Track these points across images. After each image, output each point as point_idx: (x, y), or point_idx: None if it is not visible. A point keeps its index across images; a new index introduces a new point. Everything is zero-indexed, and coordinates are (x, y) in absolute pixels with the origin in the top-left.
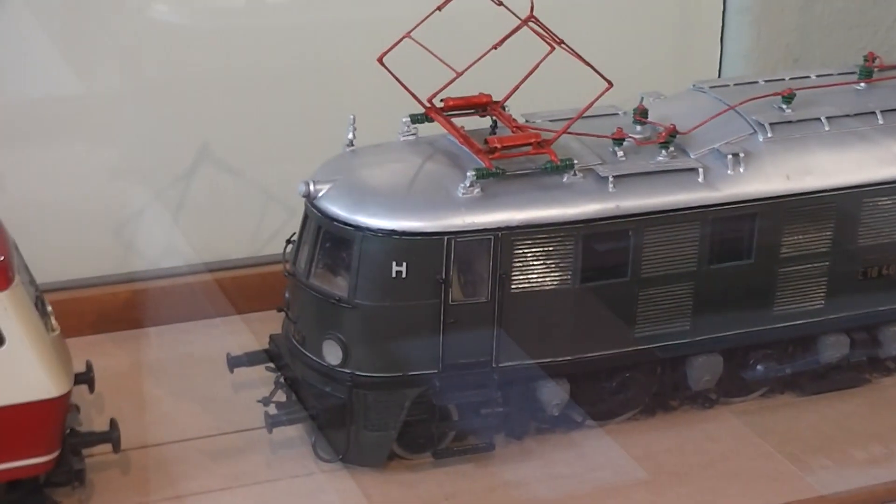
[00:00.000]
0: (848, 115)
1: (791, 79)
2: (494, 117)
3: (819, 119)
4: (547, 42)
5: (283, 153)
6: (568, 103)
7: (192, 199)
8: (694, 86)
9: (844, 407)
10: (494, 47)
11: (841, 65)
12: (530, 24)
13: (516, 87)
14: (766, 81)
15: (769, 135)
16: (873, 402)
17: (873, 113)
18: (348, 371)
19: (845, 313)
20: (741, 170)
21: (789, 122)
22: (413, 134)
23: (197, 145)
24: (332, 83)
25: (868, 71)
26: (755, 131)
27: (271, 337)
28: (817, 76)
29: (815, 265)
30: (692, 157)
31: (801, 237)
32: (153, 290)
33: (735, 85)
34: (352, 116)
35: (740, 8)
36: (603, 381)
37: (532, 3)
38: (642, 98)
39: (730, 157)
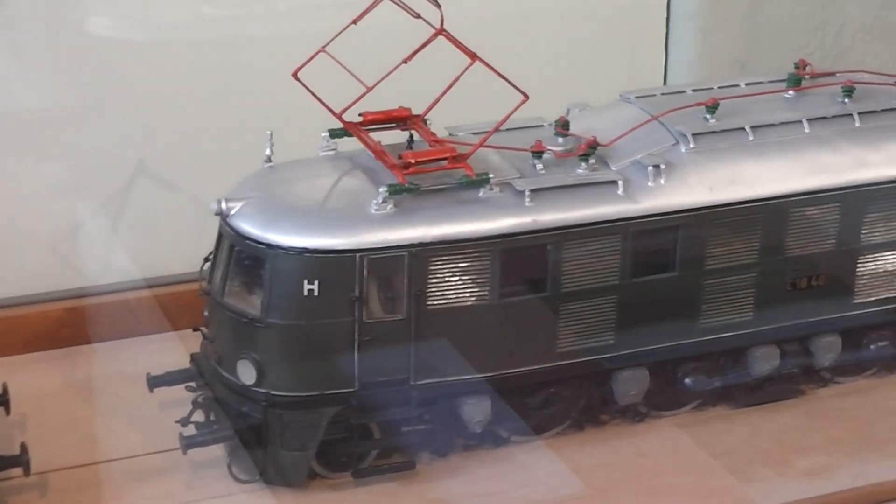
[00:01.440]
0: (773, 125)
1: (720, 87)
2: (414, 131)
3: (743, 129)
4: (467, 54)
5: (222, 167)
6: (497, 115)
7: (129, 215)
8: (621, 96)
9: (779, 419)
10: (405, 61)
11: (779, 72)
12: (445, 37)
13: (436, 101)
14: (694, 91)
15: (692, 145)
16: (809, 413)
17: (800, 122)
18: (263, 391)
19: (775, 325)
20: (662, 181)
21: (713, 132)
22: (333, 149)
23: (134, 160)
24: (270, 96)
25: (797, 79)
26: (678, 142)
27: (192, 356)
28: (747, 84)
29: (742, 277)
30: (613, 169)
31: (726, 249)
32: (89, 307)
33: (662, 95)
34: (269, 132)
35: (685, 15)
36: (527, 397)
37: (442, 16)
38: (569, 110)
39: (650, 168)
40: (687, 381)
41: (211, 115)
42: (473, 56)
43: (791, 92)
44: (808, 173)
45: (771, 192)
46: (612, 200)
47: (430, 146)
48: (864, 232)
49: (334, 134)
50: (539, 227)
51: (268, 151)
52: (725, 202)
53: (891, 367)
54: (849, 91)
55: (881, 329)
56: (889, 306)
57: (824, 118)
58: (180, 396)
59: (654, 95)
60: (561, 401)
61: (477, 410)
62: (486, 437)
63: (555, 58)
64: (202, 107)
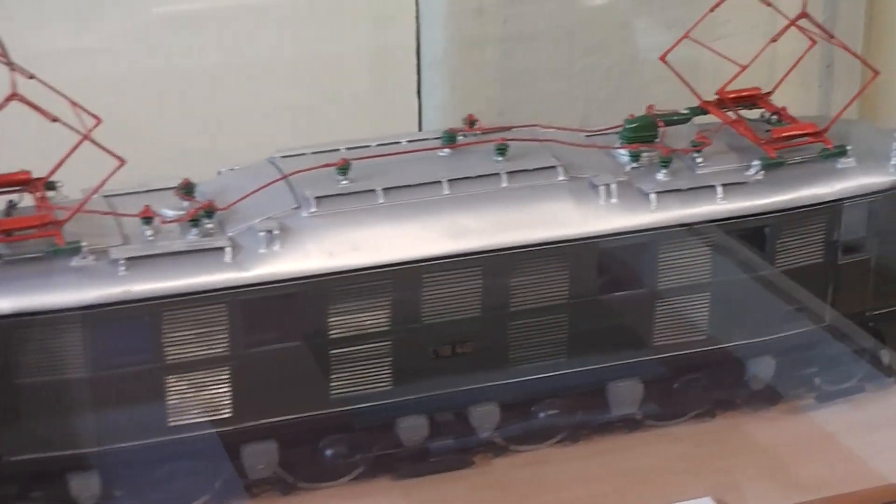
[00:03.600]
0: (410, 186)
1: (378, 145)
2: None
3: (374, 191)
4: (48, 118)
5: None
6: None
7: None
8: (271, 157)
9: (441, 492)
10: None
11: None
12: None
13: (59, 164)
14: (349, 149)
15: (313, 209)
16: (475, 485)
17: (439, 182)
18: None
19: (419, 395)
20: (277, 248)
21: (340, 194)
22: None
23: None
24: None
25: (451, 136)
26: (300, 206)
27: None
28: (409, 142)
29: (375, 345)
30: (229, 234)
31: (354, 316)
32: None
33: (313, 153)
34: None
35: (432, 61)
36: (147, 472)
37: (14, 80)
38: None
39: (262, 234)
40: (328, 452)
41: None
42: (53, 120)
43: (446, 150)
44: (444, 237)
45: (400, 257)
46: (217, 268)
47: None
48: (513, 297)
49: None
50: (132, 297)
51: None
52: (346, 268)
53: (576, 435)
54: (502, 149)
55: (550, 398)
56: (549, 374)
57: (469, 178)
58: None
59: (305, 154)
60: (188, 475)
61: (85, 486)
62: None
63: (305, 107)
64: None
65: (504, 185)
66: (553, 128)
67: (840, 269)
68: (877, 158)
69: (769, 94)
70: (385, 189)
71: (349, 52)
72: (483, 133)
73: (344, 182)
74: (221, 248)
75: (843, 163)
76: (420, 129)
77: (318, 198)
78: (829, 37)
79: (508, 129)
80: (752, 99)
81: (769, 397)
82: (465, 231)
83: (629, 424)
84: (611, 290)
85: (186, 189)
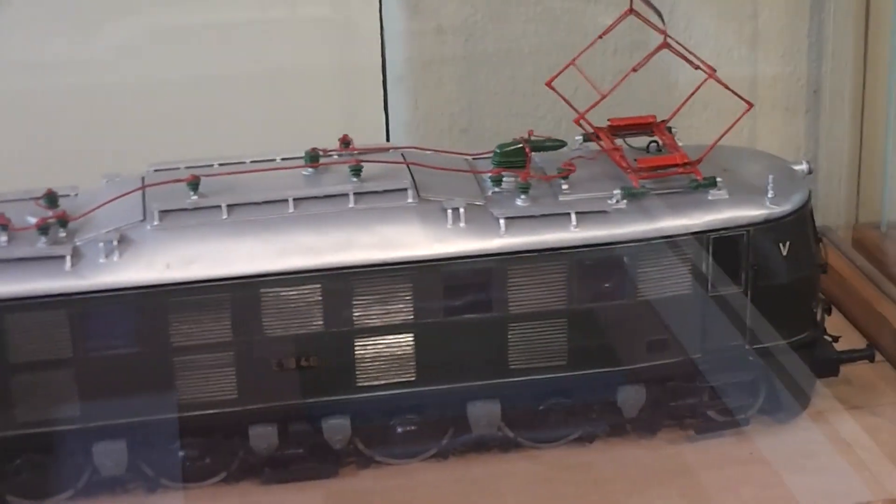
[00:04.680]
0: (254, 203)
1: (252, 161)
2: None
3: (219, 207)
4: None
5: None
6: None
7: None
8: (146, 170)
9: (301, 499)
10: None
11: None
12: None
13: None
14: (221, 164)
15: (156, 222)
16: (333, 493)
17: (286, 201)
18: None
19: (266, 405)
20: (115, 258)
21: (183, 209)
22: None
23: None
24: None
25: (314, 156)
26: (145, 218)
27: None
28: (283, 160)
29: (217, 355)
30: (76, 244)
31: (193, 327)
32: None
33: (187, 168)
34: None
35: (396, 77)
36: (4, 464)
37: None
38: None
39: (101, 244)
40: (181, 454)
41: None
42: None
43: (310, 169)
44: (282, 254)
45: (235, 271)
46: (56, 276)
47: None
48: (356, 315)
49: None
50: None
51: None
52: (181, 280)
53: (446, 452)
54: (357, 170)
55: (403, 414)
56: (399, 391)
57: (316, 197)
58: None
59: (179, 168)
60: (45, 470)
61: None
62: None
63: (275, 121)
64: None
65: (351, 205)
66: (432, 150)
67: (710, 302)
68: (754, 191)
69: (665, 122)
70: (229, 206)
71: (318, 68)
72: (356, 153)
73: (193, 197)
74: (62, 257)
75: (714, 194)
76: None
77: (161, 211)
78: (693, 67)
79: (385, 150)
80: (646, 127)
81: (649, 426)
82: (304, 249)
83: (503, 444)
84: (460, 312)
85: (48, 199)
